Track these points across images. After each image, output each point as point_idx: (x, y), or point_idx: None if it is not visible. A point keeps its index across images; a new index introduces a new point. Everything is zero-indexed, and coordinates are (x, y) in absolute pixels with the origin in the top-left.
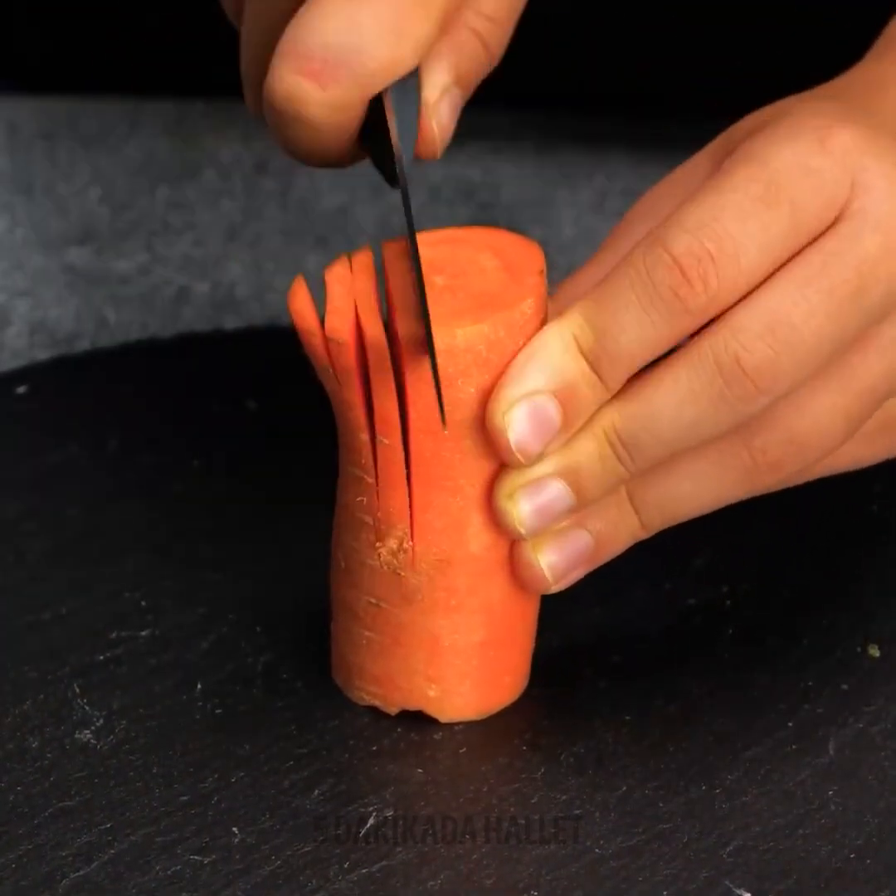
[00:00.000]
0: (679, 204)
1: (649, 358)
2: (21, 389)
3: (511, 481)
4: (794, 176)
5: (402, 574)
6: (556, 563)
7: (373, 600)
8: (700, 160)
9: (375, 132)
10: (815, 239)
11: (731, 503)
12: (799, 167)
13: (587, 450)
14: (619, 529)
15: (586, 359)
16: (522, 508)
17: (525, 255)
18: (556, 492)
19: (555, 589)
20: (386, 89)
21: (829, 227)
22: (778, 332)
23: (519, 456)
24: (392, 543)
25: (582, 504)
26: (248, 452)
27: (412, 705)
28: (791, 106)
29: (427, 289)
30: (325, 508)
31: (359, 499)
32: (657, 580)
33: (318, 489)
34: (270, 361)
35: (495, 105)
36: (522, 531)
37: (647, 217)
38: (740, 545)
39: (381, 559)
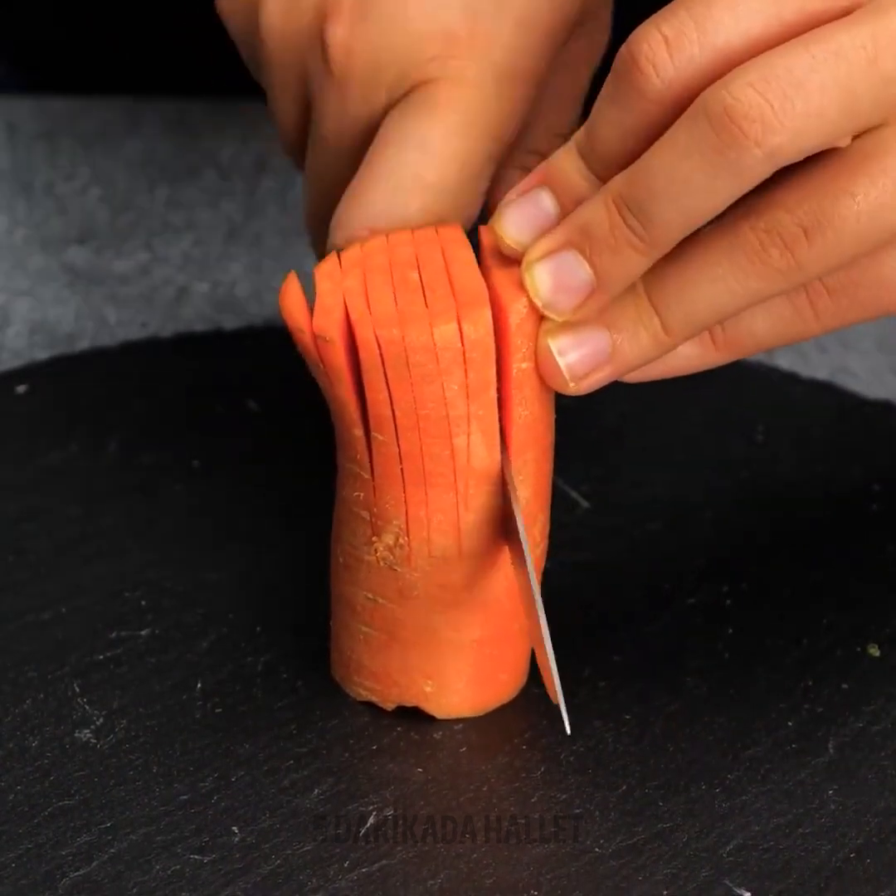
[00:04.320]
0: None
1: (625, 136)
2: (21, 389)
3: (528, 254)
4: None
5: (399, 570)
6: (573, 360)
7: (370, 596)
8: None
9: None
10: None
11: (758, 304)
12: None
13: (594, 216)
14: (638, 329)
15: (580, 155)
16: (539, 278)
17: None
18: (570, 261)
19: (574, 389)
20: None
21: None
22: (772, 83)
23: (513, 245)
24: (388, 539)
25: (601, 281)
26: (248, 452)
27: (408, 701)
28: None
29: (403, 285)
30: (325, 508)
31: (356, 494)
32: (657, 580)
33: (318, 489)
34: (270, 361)
35: None
36: (540, 303)
37: None
38: (740, 545)
39: (378, 555)
